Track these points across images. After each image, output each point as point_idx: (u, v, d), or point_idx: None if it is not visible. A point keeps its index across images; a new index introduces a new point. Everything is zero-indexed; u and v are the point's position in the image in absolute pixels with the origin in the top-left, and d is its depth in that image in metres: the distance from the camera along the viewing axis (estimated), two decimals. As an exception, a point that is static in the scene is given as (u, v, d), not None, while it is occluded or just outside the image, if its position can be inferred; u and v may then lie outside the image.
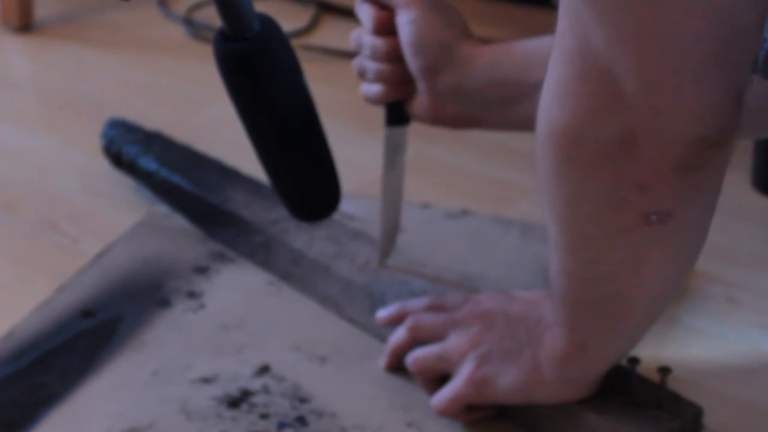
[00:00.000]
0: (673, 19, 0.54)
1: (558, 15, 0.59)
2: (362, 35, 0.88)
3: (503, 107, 0.87)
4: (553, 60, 0.61)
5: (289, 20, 1.55)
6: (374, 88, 0.89)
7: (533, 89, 0.82)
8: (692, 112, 0.57)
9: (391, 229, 0.95)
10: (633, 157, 0.60)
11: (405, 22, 0.85)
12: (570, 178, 0.64)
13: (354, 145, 1.26)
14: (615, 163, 0.61)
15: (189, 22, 1.64)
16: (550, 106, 0.62)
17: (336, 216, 0.95)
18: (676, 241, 0.66)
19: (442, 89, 0.86)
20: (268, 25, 0.68)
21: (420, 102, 0.88)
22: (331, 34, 1.62)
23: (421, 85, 0.87)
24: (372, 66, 0.88)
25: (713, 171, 0.62)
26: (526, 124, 0.86)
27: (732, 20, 0.54)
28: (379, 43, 0.87)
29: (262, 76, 0.69)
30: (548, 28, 1.59)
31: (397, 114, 0.90)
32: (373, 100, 0.89)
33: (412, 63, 0.85)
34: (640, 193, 0.61)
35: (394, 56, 0.87)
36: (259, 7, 0.67)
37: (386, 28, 0.86)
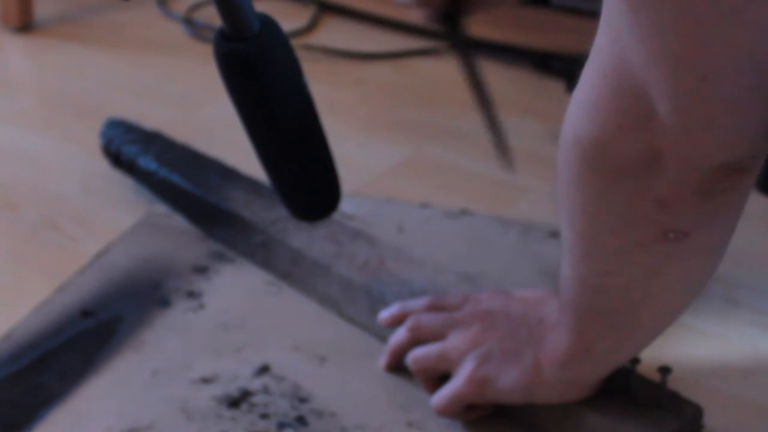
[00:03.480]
0: (713, 51, 0.53)
1: (598, 27, 0.59)
2: None
3: None
4: (587, 70, 0.60)
5: (289, 20, 1.55)
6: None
7: None
8: (721, 140, 0.57)
9: (499, 131, 0.96)
10: (657, 175, 0.60)
11: None
12: (592, 189, 0.64)
13: (354, 145, 1.26)
14: (638, 179, 0.60)
15: (189, 22, 1.64)
16: (578, 115, 0.62)
17: (336, 216, 0.95)
18: (691, 260, 0.66)
19: None
20: (268, 25, 0.68)
21: None
22: (331, 34, 1.63)
23: None
24: None
25: (736, 195, 0.61)
26: None
27: None
28: None
29: (262, 76, 0.69)
30: (548, 29, 1.60)
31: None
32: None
33: None
34: (661, 210, 0.61)
35: None
36: (259, 7, 0.67)
37: None
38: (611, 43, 0.57)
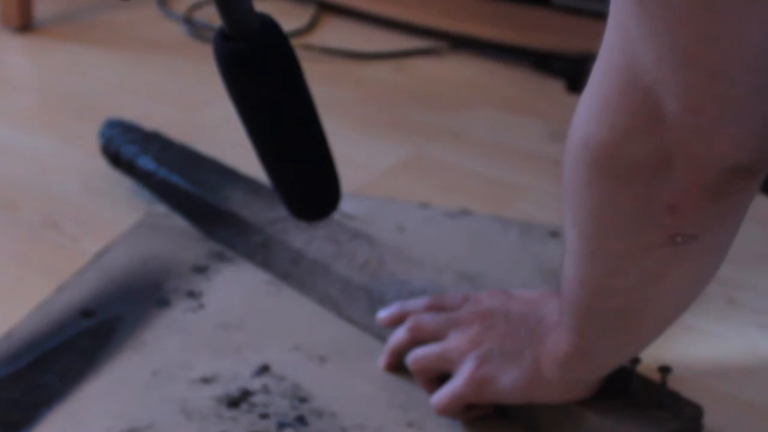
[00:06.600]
0: (723, 48, 0.52)
1: (606, 27, 0.58)
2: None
3: None
4: (596, 71, 0.59)
5: (289, 20, 1.55)
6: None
7: None
8: (731, 141, 0.56)
9: None
10: (666, 178, 0.59)
11: None
12: (599, 191, 0.63)
13: (354, 145, 1.26)
14: (647, 182, 0.60)
15: (189, 22, 1.64)
16: (587, 117, 0.61)
17: (336, 216, 0.95)
18: (696, 262, 0.65)
19: None
20: (268, 24, 0.68)
21: None
22: (331, 34, 1.63)
23: None
24: None
25: (743, 198, 0.61)
26: None
27: None
28: None
29: (262, 76, 0.69)
30: (548, 28, 1.60)
31: None
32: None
33: None
34: (670, 214, 0.61)
35: None
36: (259, 7, 0.67)
37: None
38: (620, 43, 0.57)
